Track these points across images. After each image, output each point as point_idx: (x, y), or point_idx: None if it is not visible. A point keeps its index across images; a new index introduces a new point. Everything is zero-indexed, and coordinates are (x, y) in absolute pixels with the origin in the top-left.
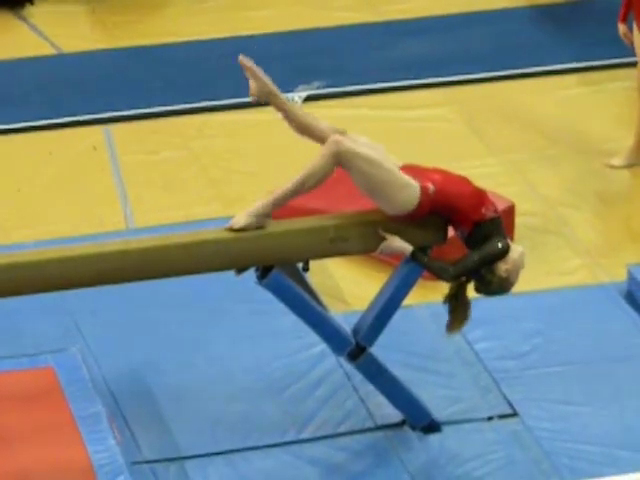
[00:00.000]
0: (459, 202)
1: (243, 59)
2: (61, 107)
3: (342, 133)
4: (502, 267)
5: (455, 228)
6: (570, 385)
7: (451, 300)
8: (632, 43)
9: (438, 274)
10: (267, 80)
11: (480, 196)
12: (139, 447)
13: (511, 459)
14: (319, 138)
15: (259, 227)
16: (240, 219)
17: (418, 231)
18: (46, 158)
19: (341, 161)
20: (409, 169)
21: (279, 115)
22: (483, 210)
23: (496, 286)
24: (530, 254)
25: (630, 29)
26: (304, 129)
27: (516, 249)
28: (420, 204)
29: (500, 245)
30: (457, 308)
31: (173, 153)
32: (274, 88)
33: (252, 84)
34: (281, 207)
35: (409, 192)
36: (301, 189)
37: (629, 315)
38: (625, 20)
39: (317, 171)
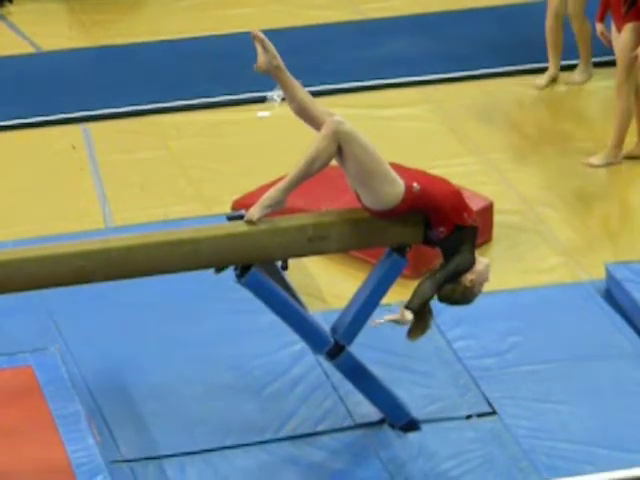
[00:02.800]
0: (442, 203)
1: (254, 30)
2: (40, 106)
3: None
4: (468, 277)
5: (435, 228)
6: (549, 383)
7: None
8: (609, 43)
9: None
10: (276, 53)
11: (462, 200)
12: (118, 446)
13: (490, 457)
14: (314, 121)
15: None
16: (255, 211)
17: (397, 229)
18: (24, 157)
19: (340, 141)
20: (394, 167)
21: (258, 114)
22: (465, 215)
23: (459, 295)
24: (508, 252)
25: (608, 29)
26: (302, 110)
27: (482, 261)
28: (403, 201)
29: (469, 258)
30: (422, 316)
31: (152, 152)
32: (282, 63)
33: (261, 56)
34: (292, 193)
35: (395, 187)
36: (309, 172)
37: (607, 313)
38: (603, 20)
39: (321, 153)
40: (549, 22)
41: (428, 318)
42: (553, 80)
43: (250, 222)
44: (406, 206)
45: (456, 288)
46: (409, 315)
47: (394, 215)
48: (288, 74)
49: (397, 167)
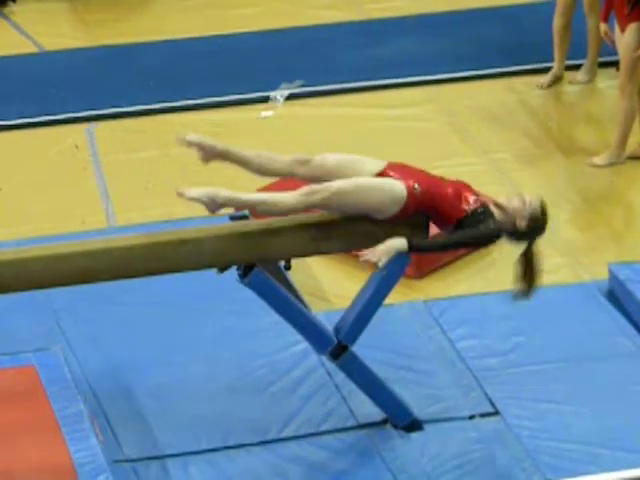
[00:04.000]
0: (442, 202)
1: (183, 138)
2: (43, 105)
3: (307, 161)
4: (517, 223)
5: (440, 227)
6: (551, 383)
7: (521, 259)
8: (613, 43)
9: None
10: (213, 141)
11: (459, 193)
12: (120, 446)
13: (492, 457)
14: (282, 172)
15: (209, 209)
16: (197, 191)
17: (400, 229)
18: (27, 156)
19: (315, 207)
20: (394, 167)
21: (261, 114)
22: (464, 206)
23: (524, 235)
24: (512, 252)
25: (612, 29)
26: (265, 171)
27: (512, 199)
28: (407, 204)
29: (490, 230)
30: (528, 263)
31: (155, 152)
32: (222, 145)
33: (201, 153)
34: (237, 208)
35: (395, 194)
36: (259, 207)
37: (610, 314)
38: (606, 20)
39: (282, 207)
40: (557, 20)
41: (536, 263)
42: (557, 79)
43: (180, 194)
44: (411, 208)
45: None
46: (388, 248)
47: (402, 218)
48: (234, 150)
49: (398, 167)
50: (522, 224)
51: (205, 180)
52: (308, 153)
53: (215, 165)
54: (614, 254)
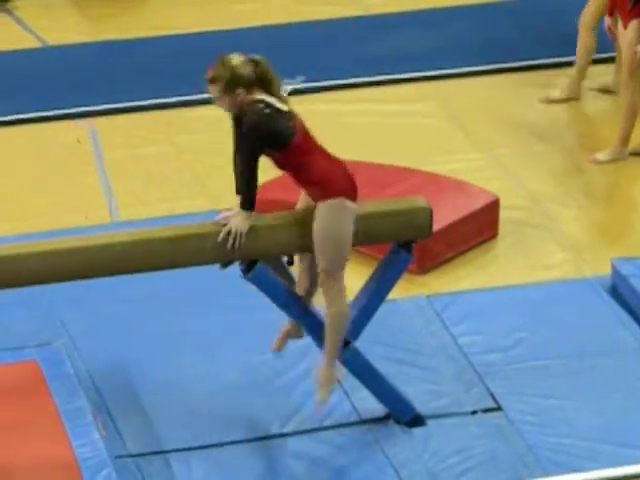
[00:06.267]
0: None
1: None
2: (45, 100)
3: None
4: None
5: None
6: (554, 379)
7: None
8: (616, 38)
9: None
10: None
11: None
12: (123, 441)
13: (495, 453)
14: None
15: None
16: (323, 397)
17: (404, 225)
18: (29, 152)
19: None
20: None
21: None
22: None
23: None
24: (514, 248)
25: (616, 24)
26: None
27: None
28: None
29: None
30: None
31: (158, 147)
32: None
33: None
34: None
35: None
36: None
37: (613, 309)
38: (612, 14)
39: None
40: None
41: None
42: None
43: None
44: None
45: None
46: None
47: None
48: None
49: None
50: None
51: (206, 176)
52: None
53: (216, 163)
54: (617, 250)
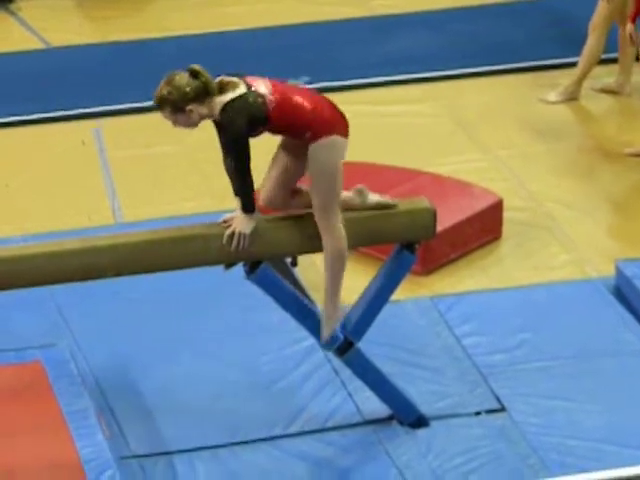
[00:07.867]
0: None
1: None
2: (50, 101)
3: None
4: None
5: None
6: (558, 380)
7: None
8: (636, 44)
9: None
10: None
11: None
12: (127, 442)
13: (499, 454)
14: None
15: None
16: (326, 334)
17: (407, 226)
18: (34, 153)
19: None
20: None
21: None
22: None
23: None
24: (518, 249)
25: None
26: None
27: None
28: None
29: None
30: None
31: (162, 148)
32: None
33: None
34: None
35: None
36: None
37: (617, 310)
38: (634, 20)
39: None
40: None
41: None
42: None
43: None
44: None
45: None
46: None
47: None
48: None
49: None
50: None
51: (211, 176)
52: None
53: (221, 163)
54: (621, 251)
